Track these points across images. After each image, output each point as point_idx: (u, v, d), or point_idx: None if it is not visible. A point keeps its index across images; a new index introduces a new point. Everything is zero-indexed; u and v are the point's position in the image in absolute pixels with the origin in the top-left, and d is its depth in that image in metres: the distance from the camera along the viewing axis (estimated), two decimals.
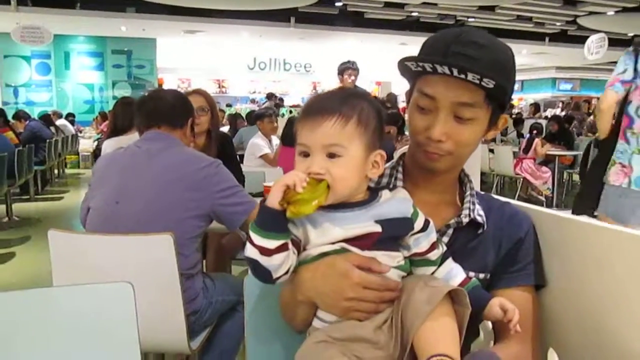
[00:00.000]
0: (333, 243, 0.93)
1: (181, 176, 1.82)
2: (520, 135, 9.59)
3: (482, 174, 7.61)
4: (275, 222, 0.89)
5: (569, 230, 1.12)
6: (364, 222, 0.93)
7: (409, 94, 1.11)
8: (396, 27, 13.51)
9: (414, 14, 12.80)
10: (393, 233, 0.96)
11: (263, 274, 0.91)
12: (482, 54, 1.00)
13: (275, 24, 12.64)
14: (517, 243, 1.13)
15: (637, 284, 0.98)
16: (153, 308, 1.69)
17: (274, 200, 0.88)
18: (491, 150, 7.66)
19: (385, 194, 0.99)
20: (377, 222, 0.93)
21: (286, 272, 0.92)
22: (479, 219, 1.11)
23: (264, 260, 0.90)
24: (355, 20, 13.23)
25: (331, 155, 0.92)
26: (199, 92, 2.82)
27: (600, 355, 1.05)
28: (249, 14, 12.02)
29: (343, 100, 0.95)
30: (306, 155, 0.93)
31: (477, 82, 0.95)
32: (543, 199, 7.10)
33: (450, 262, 1.02)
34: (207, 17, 12.19)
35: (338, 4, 12.16)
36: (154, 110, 2.01)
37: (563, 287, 1.13)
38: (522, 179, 7.35)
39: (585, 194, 3.14)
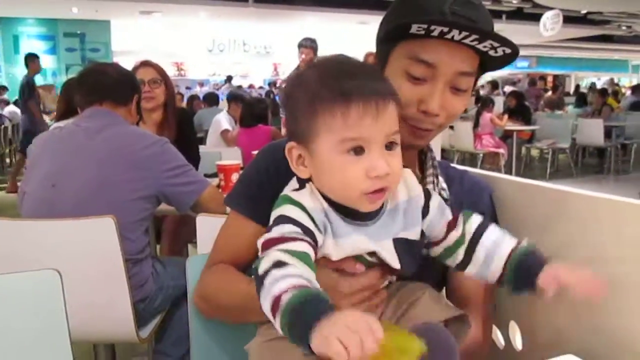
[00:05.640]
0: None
1: (124, 155, 1.71)
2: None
3: (443, 150, 7.66)
4: None
5: (529, 195, 1.09)
6: (386, 243, 0.80)
7: (382, 60, 0.96)
8: (355, 5, 13.37)
9: None
10: (411, 259, 0.82)
11: None
12: (478, 15, 0.91)
13: (234, 3, 12.35)
14: None
15: (601, 246, 0.95)
16: (97, 296, 1.60)
17: None
18: (451, 127, 7.70)
19: None
20: (395, 241, 0.80)
21: None
22: (443, 194, 1.02)
23: None
24: None
25: (389, 146, 0.76)
26: (148, 63, 2.65)
27: (565, 323, 1.02)
28: None
29: (380, 76, 0.80)
30: (358, 151, 0.74)
31: (487, 48, 0.85)
32: (502, 172, 7.20)
33: (493, 231, 0.84)
34: None
35: None
36: (96, 85, 1.88)
37: None
38: (482, 155, 7.45)
39: None
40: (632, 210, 0.90)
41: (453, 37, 0.83)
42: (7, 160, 9.25)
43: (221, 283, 0.98)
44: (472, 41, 0.84)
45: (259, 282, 0.68)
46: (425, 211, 0.84)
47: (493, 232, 0.84)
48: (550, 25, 11.71)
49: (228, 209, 1.04)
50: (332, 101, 0.73)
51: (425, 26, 0.82)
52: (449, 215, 0.86)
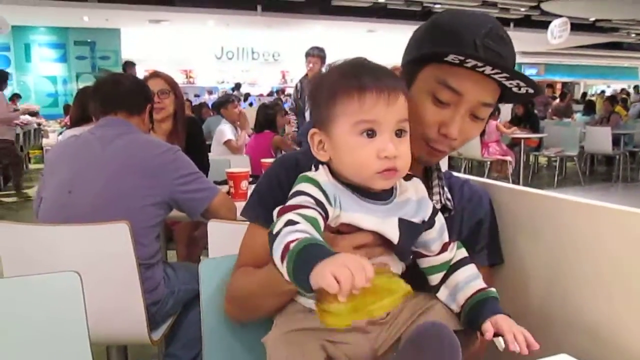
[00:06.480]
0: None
1: (137, 163, 1.77)
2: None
3: (450, 158, 7.68)
4: None
5: (526, 203, 1.13)
6: (391, 220, 0.86)
7: (409, 78, 0.99)
8: (363, 14, 13.46)
9: (380, 0, 12.76)
10: (409, 239, 0.88)
11: None
12: (508, 52, 0.97)
13: (242, 12, 12.47)
14: (477, 224, 1.11)
15: (593, 251, 0.99)
16: (111, 299, 1.64)
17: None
18: None
19: (400, 183, 0.91)
20: (400, 220, 0.86)
21: None
22: (448, 204, 1.07)
23: None
24: (323, 7, 13.12)
25: (399, 133, 0.85)
26: (157, 74, 2.70)
27: (559, 324, 1.06)
28: (215, 2, 11.84)
29: (394, 75, 0.88)
30: (370, 134, 0.83)
31: (513, 86, 0.91)
32: (510, 180, 7.20)
33: (470, 269, 0.93)
34: (172, 6, 11.96)
35: None
36: (110, 95, 1.94)
37: (523, 259, 1.14)
38: (489, 163, 7.46)
39: None
40: (627, 217, 0.94)
41: (484, 71, 0.89)
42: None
43: (240, 280, 1.04)
44: (501, 77, 0.90)
45: (272, 239, 0.74)
46: (432, 220, 0.90)
47: (469, 269, 0.93)
48: (558, 32, 11.71)
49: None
50: (350, 89, 0.82)
51: (462, 57, 0.88)
52: (446, 238, 0.93)
